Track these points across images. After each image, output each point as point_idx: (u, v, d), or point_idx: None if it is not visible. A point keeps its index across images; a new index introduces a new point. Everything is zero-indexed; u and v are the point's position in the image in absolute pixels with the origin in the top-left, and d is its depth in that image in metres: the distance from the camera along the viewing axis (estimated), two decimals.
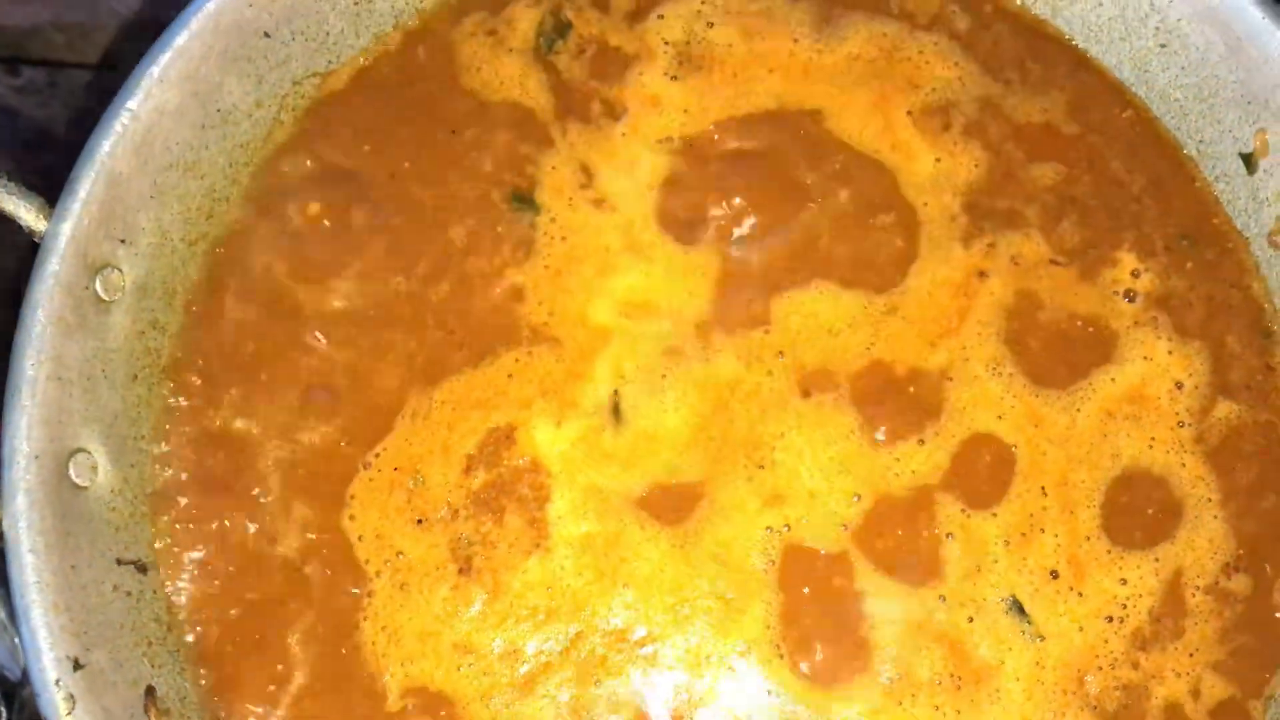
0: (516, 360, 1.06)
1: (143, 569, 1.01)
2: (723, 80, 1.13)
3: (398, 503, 1.03)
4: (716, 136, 1.11)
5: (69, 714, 0.91)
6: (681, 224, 1.09)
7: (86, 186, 0.98)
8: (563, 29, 1.14)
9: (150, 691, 0.97)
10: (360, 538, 1.03)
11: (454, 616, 1.01)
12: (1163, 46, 1.11)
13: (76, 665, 0.92)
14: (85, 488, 0.98)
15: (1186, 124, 1.13)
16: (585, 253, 1.08)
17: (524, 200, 1.10)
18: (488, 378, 1.06)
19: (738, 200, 1.09)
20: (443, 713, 1.00)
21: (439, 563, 1.02)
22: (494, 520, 1.03)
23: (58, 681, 0.91)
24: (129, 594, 0.99)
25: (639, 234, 1.08)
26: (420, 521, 1.03)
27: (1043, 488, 1.03)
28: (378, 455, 1.04)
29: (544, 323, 1.06)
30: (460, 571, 1.02)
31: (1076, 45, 1.16)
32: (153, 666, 0.98)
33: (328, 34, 1.12)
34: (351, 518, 1.03)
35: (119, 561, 0.99)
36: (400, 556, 1.02)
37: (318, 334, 1.07)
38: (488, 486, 1.04)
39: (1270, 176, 1.07)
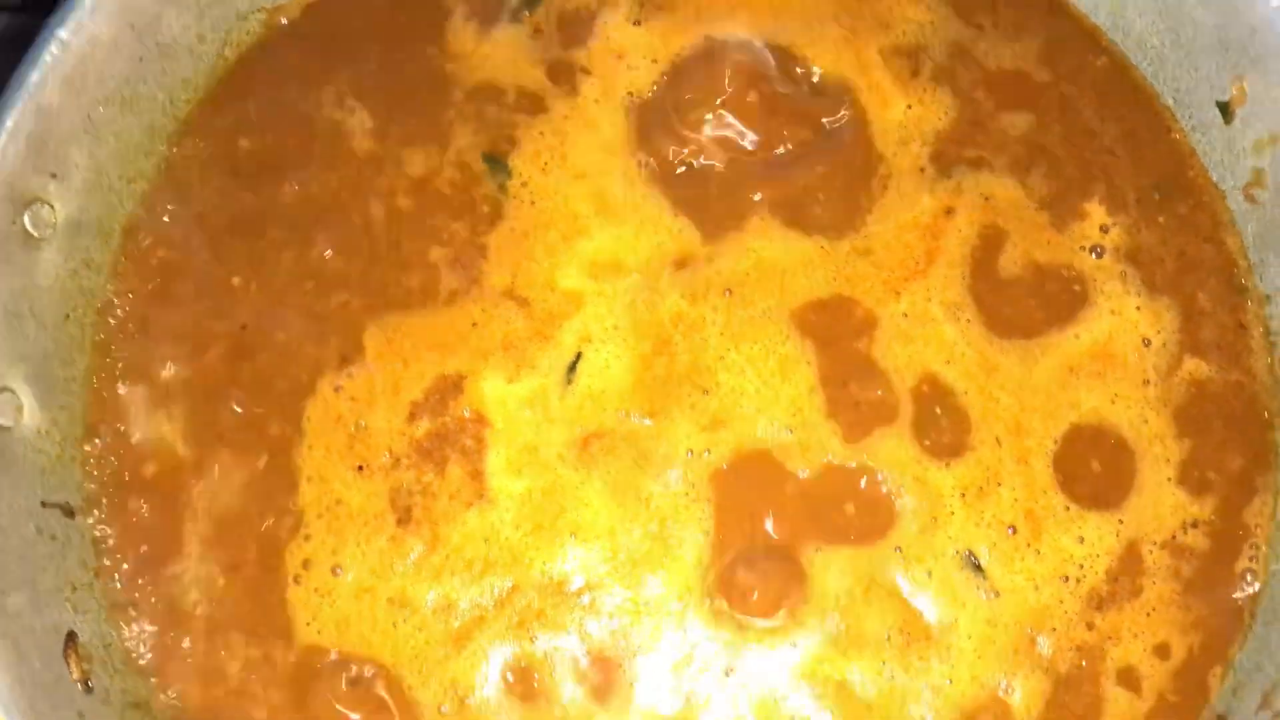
0: (483, 310, 1.02)
1: (69, 512, 0.98)
2: (686, 19, 1.10)
3: (340, 445, 1.00)
4: (684, 79, 1.08)
5: None
6: (650, 173, 1.06)
7: (14, 117, 0.95)
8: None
9: (71, 637, 0.94)
10: (309, 479, 0.99)
11: (389, 570, 0.98)
12: None
13: None
14: (9, 427, 0.95)
15: (1163, 72, 1.09)
16: (553, 217, 1.05)
17: (496, 162, 1.06)
18: (451, 321, 1.03)
19: (705, 141, 1.06)
20: (369, 668, 0.97)
21: (378, 512, 0.99)
22: (435, 471, 1.00)
23: None
24: (53, 537, 0.96)
25: (609, 196, 1.05)
26: (361, 468, 1.00)
27: (997, 438, 1.00)
28: (350, 376, 1.01)
29: (508, 285, 1.03)
30: (399, 522, 0.99)
31: None
32: (75, 612, 0.96)
33: None
34: (308, 477, 1.00)
35: (44, 504, 0.96)
36: (339, 505, 0.99)
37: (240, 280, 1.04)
38: (431, 436, 1.01)
39: (1248, 126, 1.04)
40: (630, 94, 1.08)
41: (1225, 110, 1.05)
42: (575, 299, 1.04)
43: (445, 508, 0.99)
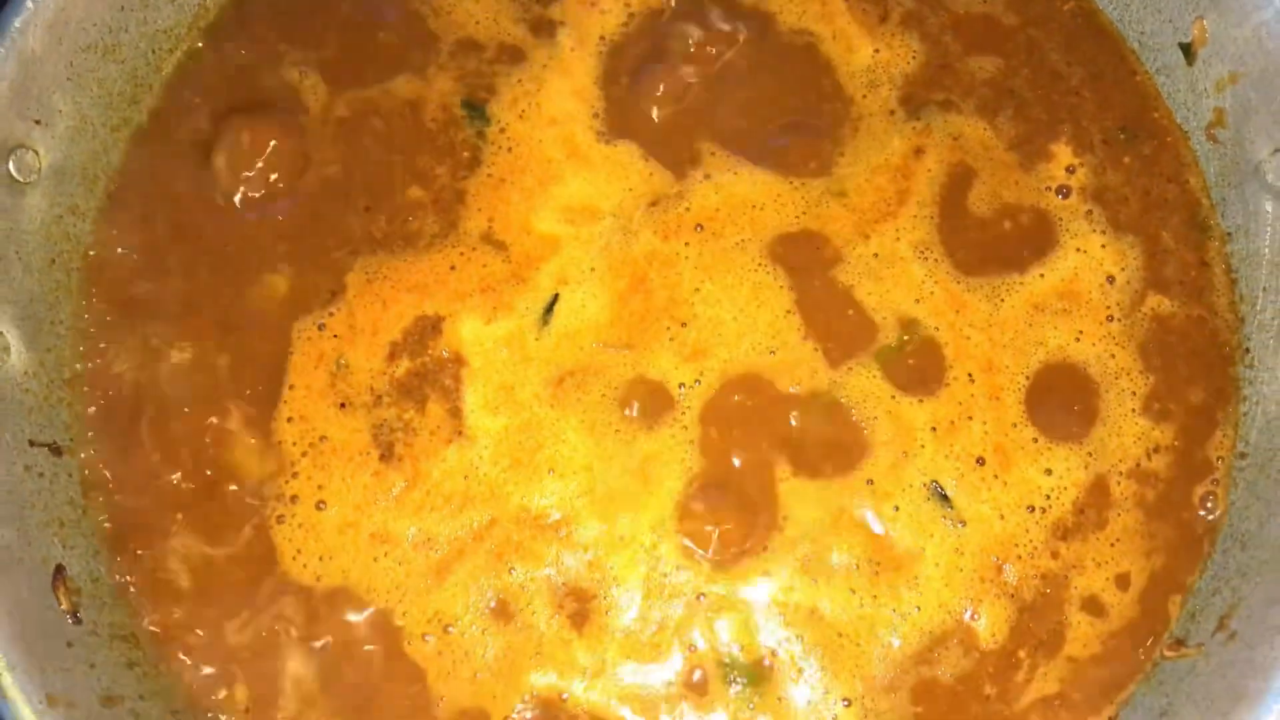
0: (461, 254, 1.04)
1: (57, 451, 1.00)
2: None
3: (321, 384, 1.02)
4: (661, 24, 1.10)
5: None
6: (622, 114, 1.08)
7: None
8: None
9: (59, 570, 0.96)
10: (290, 419, 1.01)
11: (372, 505, 1.00)
12: None
13: None
14: None
15: (1128, 15, 1.11)
16: (529, 163, 1.07)
17: (475, 109, 1.08)
18: (430, 264, 1.04)
19: (678, 86, 1.08)
20: (357, 603, 0.99)
21: (361, 448, 1.01)
22: (416, 408, 1.02)
23: None
24: (41, 475, 0.98)
25: (582, 141, 1.07)
26: (343, 405, 1.02)
27: (970, 374, 1.02)
28: (331, 315, 1.03)
29: (485, 230, 1.05)
30: (382, 458, 1.01)
31: None
32: (64, 547, 0.98)
33: None
34: (289, 418, 1.02)
35: (32, 443, 0.98)
36: (323, 441, 1.01)
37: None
38: (411, 374, 1.03)
39: (1209, 67, 1.05)
40: (603, 38, 1.09)
41: (1187, 51, 1.06)
42: (551, 242, 1.05)
43: (426, 444, 1.01)
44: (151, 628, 0.99)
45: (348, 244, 1.05)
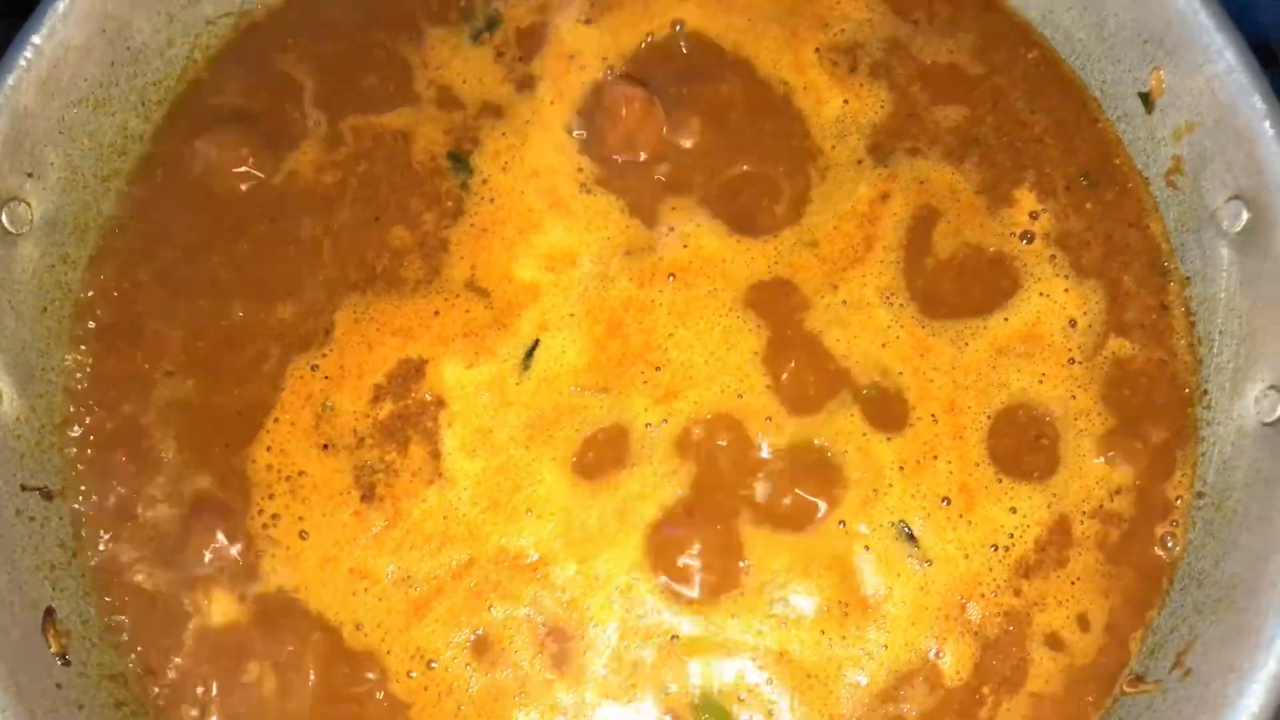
0: (445, 300, 1.07)
1: (48, 495, 1.03)
2: (635, 15, 1.14)
3: (305, 426, 1.05)
4: (635, 74, 1.13)
5: None
6: (599, 168, 1.11)
7: None
8: (492, 23, 1.15)
9: (49, 613, 0.99)
10: (269, 467, 1.04)
11: (352, 543, 1.03)
12: None
13: None
14: None
15: (1090, 64, 1.14)
16: (511, 214, 1.10)
17: (459, 160, 1.11)
18: (415, 308, 1.08)
19: (652, 134, 1.11)
20: (340, 639, 1.02)
21: (343, 488, 1.04)
22: (399, 450, 1.05)
23: None
24: (32, 519, 1.01)
25: (562, 192, 1.10)
26: (326, 447, 1.05)
27: (933, 415, 1.05)
28: (324, 355, 1.06)
29: (469, 277, 1.08)
30: (363, 499, 1.04)
31: None
32: (54, 590, 1.00)
33: None
34: (268, 446, 1.05)
35: (23, 487, 1.01)
36: (302, 475, 1.04)
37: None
38: (394, 417, 1.06)
39: (1166, 116, 1.08)
40: (583, 87, 1.12)
41: (1146, 100, 1.09)
42: (532, 290, 1.08)
43: (407, 485, 1.04)
44: (139, 668, 1.02)
45: (337, 284, 1.08)
